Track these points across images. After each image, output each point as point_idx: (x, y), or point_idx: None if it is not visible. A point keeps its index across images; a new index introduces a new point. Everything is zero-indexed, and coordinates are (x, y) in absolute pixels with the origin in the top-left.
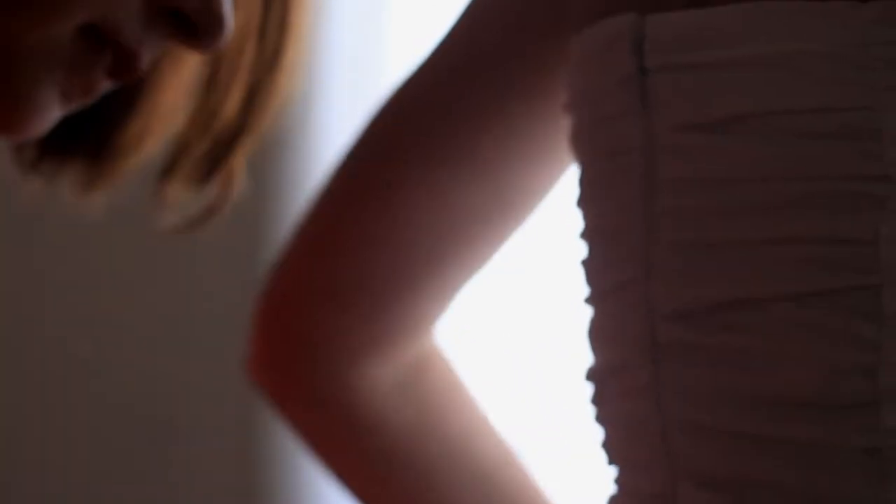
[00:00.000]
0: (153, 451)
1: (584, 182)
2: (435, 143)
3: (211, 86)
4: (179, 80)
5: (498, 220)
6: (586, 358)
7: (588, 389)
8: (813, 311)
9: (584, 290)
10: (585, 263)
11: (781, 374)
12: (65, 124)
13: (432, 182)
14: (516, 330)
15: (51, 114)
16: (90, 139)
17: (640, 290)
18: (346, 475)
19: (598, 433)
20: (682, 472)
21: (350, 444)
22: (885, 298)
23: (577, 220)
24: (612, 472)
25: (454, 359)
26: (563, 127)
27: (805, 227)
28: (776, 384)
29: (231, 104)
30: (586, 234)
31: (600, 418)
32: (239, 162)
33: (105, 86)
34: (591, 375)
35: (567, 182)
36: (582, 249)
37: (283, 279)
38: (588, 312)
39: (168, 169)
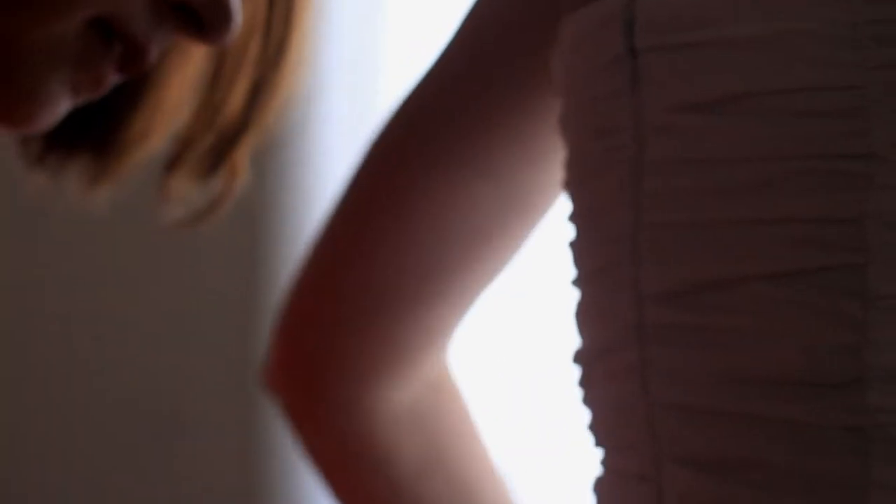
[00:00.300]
0: (157, 446)
1: (572, 163)
2: (443, 150)
3: (215, 81)
4: (184, 76)
5: (512, 222)
6: (574, 341)
7: (575, 372)
8: (800, 290)
9: (572, 272)
10: (573, 245)
11: (767, 353)
12: (70, 119)
13: (443, 190)
14: (506, 319)
15: (59, 107)
16: (95, 134)
17: (627, 271)
18: (348, 499)
19: (585, 415)
20: (667, 452)
21: (356, 472)
22: (871, 277)
23: (565, 203)
24: (599, 453)
25: (462, 379)
26: None
27: (794, 206)
28: (762, 363)
29: (235, 99)
30: (574, 216)
31: (587, 400)
32: (243, 157)
33: (113, 79)
34: (578, 358)
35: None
36: (570, 231)
37: (299, 296)
38: (575, 295)
39: (172, 164)
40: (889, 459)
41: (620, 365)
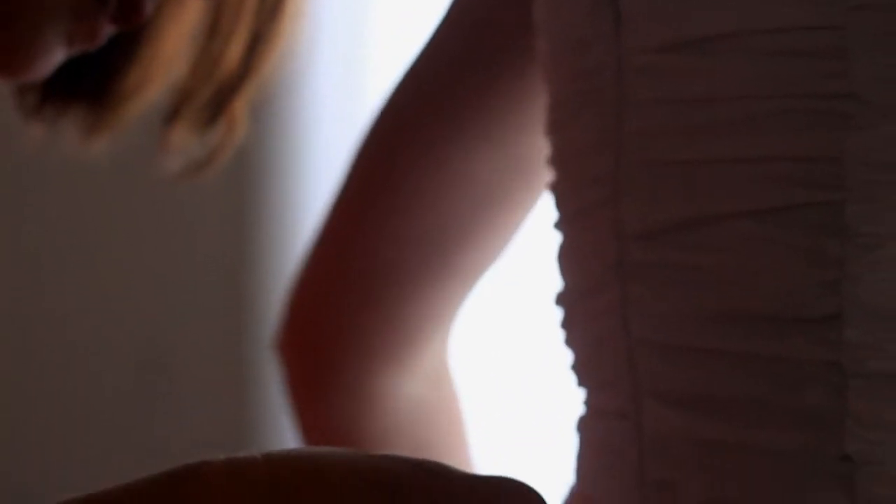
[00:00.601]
0: (148, 398)
1: (554, 107)
2: (444, 125)
3: (213, 32)
4: (181, 27)
5: (514, 191)
6: (556, 282)
7: (557, 313)
8: (779, 228)
9: (553, 215)
10: (554, 187)
11: (748, 290)
12: (67, 69)
13: (445, 163)
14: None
15: (53, 58)
16: (92, 84)
17: (608, 210)
18: None
19: (567, 356)
20: (647, 390)
21: None
22: (849, 214)
23: (547, 148)
24: (581, 394)
25: (458, 374)
26: None
27: (773, 145)
28: (742, 301)
29: (234, 51)
30: (555, 159)
31: (569, 341)
32: (241, 108)
33: (108, 31)
34: (560, 299)
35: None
36: (551, 174)
37: (308, 277)
38: (557, 237)
39: (171, 115)
40: (865, 394)
41: (602, 304)
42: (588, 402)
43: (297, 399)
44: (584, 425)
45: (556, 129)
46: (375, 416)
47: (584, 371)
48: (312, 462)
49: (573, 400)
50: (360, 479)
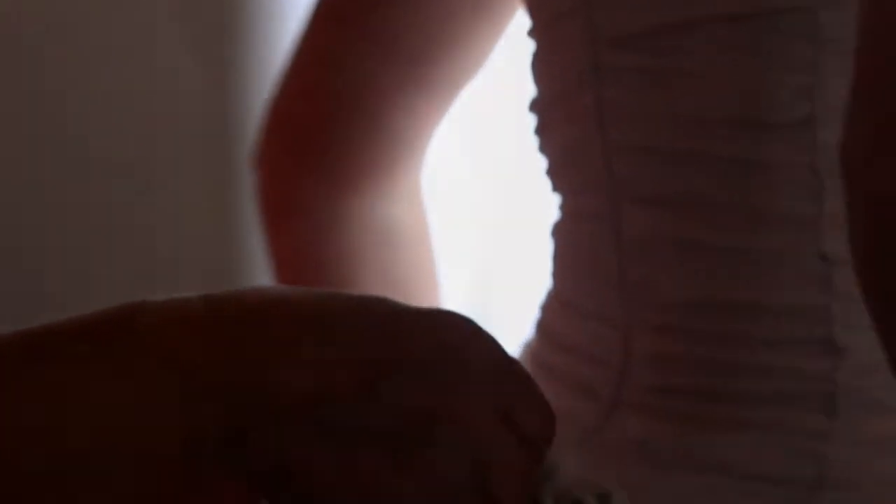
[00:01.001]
0: (132, 204)
1: None
2: None
3: None
4: None
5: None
6: (531, 90)
7: (532, 120)
8: (751, 33)
9: (528, 23)
10: None
11: (722, 94)
12: None
13: None
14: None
15: None
16: None
17: (582, 16)
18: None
19: (543, 162)
20: (624, 191)
21: (312, 281)
22: (823, 20)
23: None
24: (557, 198)
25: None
26: None
27: None
28: (719, 104)
29: None
30: None
31: (544, 147)
32: None
33: None
34: (535, 106)
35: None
36: None
37: (287, 89)
38: (531, 44)
39: None
40: (840, 195)
41: (577, 108)
42: (564, 207)
43: (269, 214)
44: (561, 229)
45: None
46: (344, 235)
47: (561, 175)
48: (250, 303)
49: (549, 204)
50: (297, 320)
